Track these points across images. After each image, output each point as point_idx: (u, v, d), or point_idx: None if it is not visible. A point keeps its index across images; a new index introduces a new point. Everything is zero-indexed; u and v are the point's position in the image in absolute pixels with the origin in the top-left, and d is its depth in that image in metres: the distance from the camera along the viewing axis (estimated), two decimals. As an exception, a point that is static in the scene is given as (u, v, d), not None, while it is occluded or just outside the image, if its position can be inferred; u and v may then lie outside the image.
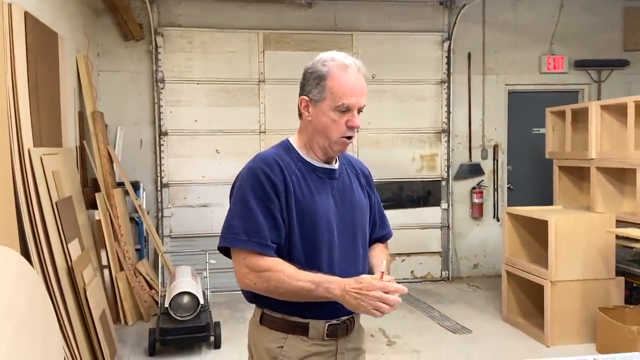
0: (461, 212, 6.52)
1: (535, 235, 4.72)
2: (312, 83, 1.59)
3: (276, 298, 1.55)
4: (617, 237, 4.27)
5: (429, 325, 4.82)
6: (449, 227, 6.45)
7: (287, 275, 1.49)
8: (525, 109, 6.55)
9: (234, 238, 1.53)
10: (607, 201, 4.78)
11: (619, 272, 4.40)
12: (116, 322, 4.59)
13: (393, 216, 6.27)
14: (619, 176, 4.78)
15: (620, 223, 4.38)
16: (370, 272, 1.69)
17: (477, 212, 6.48)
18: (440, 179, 6.45)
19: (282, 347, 1.57)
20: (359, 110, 1.60)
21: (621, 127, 4.61)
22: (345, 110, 1.57)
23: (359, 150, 6.17)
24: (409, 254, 6.36)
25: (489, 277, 6.39)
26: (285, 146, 1.67)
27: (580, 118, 5.13)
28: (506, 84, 6.55)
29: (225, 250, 1.60)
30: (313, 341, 1.58)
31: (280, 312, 1.58)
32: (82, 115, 5.06)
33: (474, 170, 6.49)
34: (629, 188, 4.68)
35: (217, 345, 4.22)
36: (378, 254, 1.78)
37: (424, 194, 6.44)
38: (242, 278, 1.54)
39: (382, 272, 1.50)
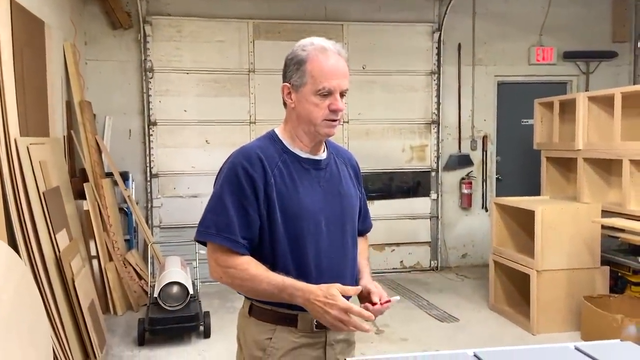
0: (450, 202, 6.57)
1: (523, 225, 4.77)
2: (292, 69, 1.58)
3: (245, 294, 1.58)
4: (603, 227, 4.33)
5: (417, 314, 4.87)
6: (438, 217, 6.50)
7: (250, 275, 1.49)
8: (514, 100, 6.59)
9: (204, 231, 1.54)
10: (593, 192, 4.83)
11: (604, 262, 4.46)
12: (105, 313, 4.59)
13: (383, 206, 6.41)
14: (606, 167, 4.84)
15: (606, 213, 4.43)
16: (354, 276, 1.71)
17: (466, 202, 6.53)
18: (429, 169, 6.48)
19: (270, 338, 1.57)
20: (342, 94, 1.57)
21: (608, 118, 4.66)
22: (327, 93, 1.54)
23: (349, 141, 6.18)
24: (398, 244, 6.40)
25: (476, 266, 6.45)
26: (271, 137, 1.65)
27: (568, 109, 5.17)
28: (496, 75, 6.58)
29: (202, 242, 1.60)
30: (302, 333, 1.57)
31: (269, 303, 1.56)
32: (69, 105, 5.02)
33: (463, 161, 6.53)
34: (615, 179, 4.73)
35: (206, 334, 4.23)
36: (362, 251, 1.79)
37: (413, 184, 6.47)
38: (211, 271, 1.57)
39: (376, 302, 1.55)
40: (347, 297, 1.49)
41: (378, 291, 1.59)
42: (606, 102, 4.69)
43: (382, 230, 6.30)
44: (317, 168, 1.64)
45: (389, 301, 1.57)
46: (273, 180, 1.54)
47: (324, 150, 1.68)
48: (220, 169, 1.63)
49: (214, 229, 1.52)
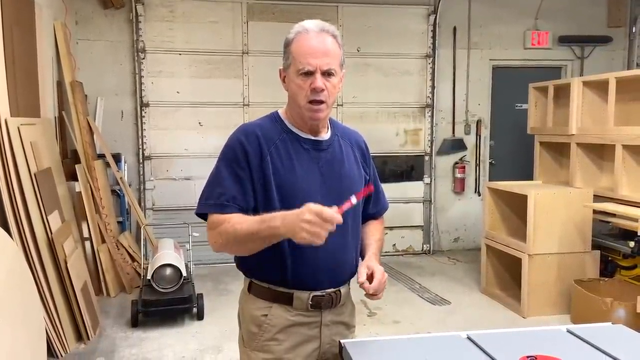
0: (443, 186, 6.59)
1: (515, 209, 4.80)
2: (283, 52, 1.61)
3: (242, 253, 1.58)
4: (595, 211, 4.36)
5: (409, 297, 4.91)
6: (431, 201, 6.52)
7: (234, 222, 1.49)
8: (508, 84, 6.58)
9: (202, 204, 1.58)
10: (585, 176, 4.86)
11: (595, 246, 4.51)
12: (98, 294, 4.59)
13: None
14: (598, 152, 4.86)
15: (597, 198, 4.46)
16: (362, 253, 1.71)
17: (459, 186, 6.55)
18: (423, 153, 6.49)
19: (266, 315, 1.60)
20: (328, 74, 1.54)
21: (602, 103, 4.67)
22: (308, 73, 1.53)
23: (344, 124, 6.14)
24: (391, 228, 6.42)
25: (469, 250, 6.50)
26: (273, 117, 1.67)
27: (562, 94, 5.17)
28: (490, 59, 6.55)
29: (203, 217, 1.62)
30: (297, 311, 1.59)
31: (266, 281, 1.60)
32: (60, 85, 4.96)
33: (457, 145, 6.53)
34: (608, 164, 4.76)
35: (200, 316, 4.25)
36: (372, 232, 1.79)
37: (407, 168, 6.48)
38: (209, 238, 1.58)
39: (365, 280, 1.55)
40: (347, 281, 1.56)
41: (370, 270, 1.59)
42: (600, 87, 4.69)
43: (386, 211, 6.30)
44: (318, 149, 1.63)
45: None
46: (269, 158, 1.56)
47: (327, 131, 1.68)
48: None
49: (209, 200, 1.56)
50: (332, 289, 1.62)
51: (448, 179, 6.59)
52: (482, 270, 5.01)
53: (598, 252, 4.49)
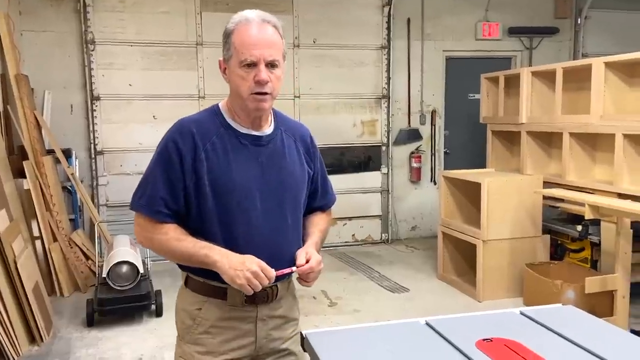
0: (400, 176, 6.69)
1: (470, 197, 4.93)
2: (223, 42, 1.57)
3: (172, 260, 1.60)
4: (544, 197, 4.53)
5: (369, 286, 4.98)
6: (388, 191, 6.61)
7: (171, 237, 1.52)
8: (461, 74, 6.72)
9: (134, 201, 1.58)
10: (535, 164, 5.04)
11: (545, 230, 4.69)
12: (51, 294, 4.45)
13: (335, 181, 6.35)
14: (547, 140, 5.04)
15: (547, 184, 4.64)
16: (304, 241, 1.70)
17: (415, 176, 6.67)
18: (380, 144, 6.56)
19: (200, 309, 1.60)
20: (272, 65, 1.51)
21: (550, 92, 4.84)
22: (251, 64, 1.49)
23: (301, 116, 6.14)
24: (350, 218, 6.48)
25: (426, 238, 6.64)
26: (213, 111, 1.63)
27: (512, 84, 5.33)
28: (444, 50, 6.67)
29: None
30: (231, 306, 1.58)
31: (201, 276, 1.58)
32: (4, 79, 4.73)
33: (413, 135, 6.64)
34: (556, 151, 4.95)
35: (158, 313, 4.18)
36: (316, 222, 1.77)
37: (364, 159, 6.54)
38: (137, 235, 1.60)
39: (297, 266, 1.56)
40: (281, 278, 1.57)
41: (302, 255, 1.59)
42: (548, 77, 4.86)
43: (334, 204, 6.36)
44: (257, 144, 1.60)
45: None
46: (204, 155, 1.53)
47: (269, 125, 1.65)
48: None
49: (141, 200, 1.56)
50: (269, 284, 1.56)
51: (405, 168, 6.70)
52: (438, 257, 5.13)
53: (548, 236, 4.68)
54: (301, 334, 1.60)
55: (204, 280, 1.58)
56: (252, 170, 1.57)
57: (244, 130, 1.60)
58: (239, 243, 1.53)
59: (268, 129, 1.64)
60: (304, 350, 1.59)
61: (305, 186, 1.70)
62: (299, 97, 6.15)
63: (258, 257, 1.50)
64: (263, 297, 1.59)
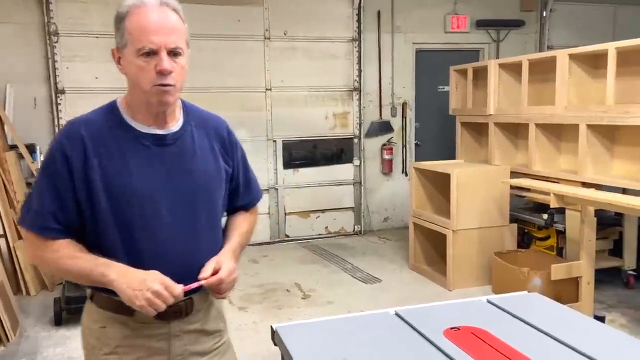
0: (372, 168, 6.73)
1: (440, 188, 4.99)
2: (115, 28, 1.37)
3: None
4: (511, 187, 4.63)
5: (341, 277, 5.01)
6: (361, 183, 6.65)
7: (62, 255, 1.37)
8: (431, 67, 6.79)
9: (22, 215, 1.41)
10: (503, 154, 5.14)
11: (513, 220, 4.79)
12: (17, 293, 4.34)
13: (307, 174, 6.46)
14: (514, 131, 5.14)
15: (514, 174, 4.73)
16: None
17: (387, 167, 6.72)
18: (352, 136, 6.58)
19: (104, 327, 1.45)
20: (175, 53, 1.35)
21: (517, 84, 4.92)
22: (150, 53, 1.32)
23: (272, 109, 6.11)
24: (323, 210, 6.50)
25: (398, 229, 6.71)
26: (110, 108, 1.46)
27: (480, 76, 5.41)
28: (414, 43, 6.72)
29: None
30: (139, 323, 1.43)
31: (104, 290, 1.39)
32: (-38, 72, 4.57)
33: (384, 127, 6.69)
34: (522, 142, 5.05)
35: (129, 310, 4.12)
36: (237, 224, 1.61)
37: (337, 151, 6.56)
38: (28, 256, 1.47)
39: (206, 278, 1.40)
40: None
41: (210, 266, 1.42)
42: (514, 69, 4.94)
43: (307, 197, 6.38)
44: (161, 144, 1.42)
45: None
46: (97, 161, 1.36)
47: (177, 121, 1.47)
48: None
49: (28, 216, 1.39)
50: (183, 299, 1.42)
51: (377, 160, 6.74)
52: (410, 248, 5.19)
53: (515, 225, 4.78)
54: (271, 328, 1.61)
55: (108, 295, 1.40)
56: (156, 175, 1.40)
57: (144, 130, 1.41)
58: (144, 258, 1.37)
59: (175, 125, 1.46)
60: (275, 344, 1.59)
61: (222, 186, 1.53)
62: (270, 90, 6.12)
63: (166, 272, 1.34)
64: (175, 312, 1.43)
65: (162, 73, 1.33)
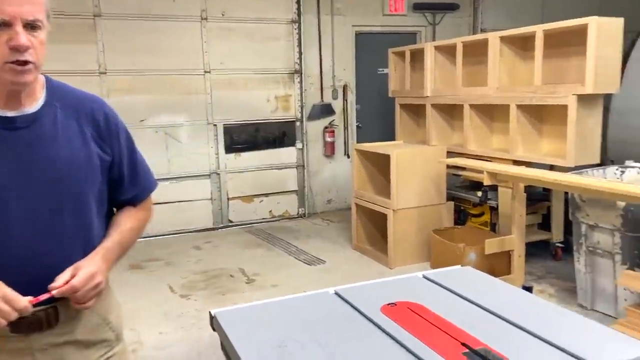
0: (315, 151, 6.76)
1: (381, 169, 5.09)
2: None
3: None
4: (448, 166, 4.78)
5: (286, 260, 5.04)
6: (304, 166, 6.66)
7: None
8: (371, 49, 6.85)
9: None
10: (440, 135, 5.29)
11: (450, 198, 4.96)
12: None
13: (250, 158, 6.41)
14: (450, 112, 5.30)
15: (450, 154, 4.89)
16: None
17: (329, 150, 6.77)
18: (294, 119, 6.57)
19: None
20: (32, 27, 1.19)
21: (452, 66, 5.07)
22: (2, 24, 1.15)
23: (212, 91, 5.99)
24: (267, 194, 6.48)
25: (340, 210, 6.80)
26: None
27: (417, 58, 5.52)
28: (353, 25, 6.75)
29: None
30: None
31: None
32: None
33: (326, 110, 6.71)
34: (458, 122, 5.21)
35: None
36: (119, 221, 1.42)
37: (279, 134, 6.53)
38: None
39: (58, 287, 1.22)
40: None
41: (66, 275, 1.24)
42: (450, 52, 5.08)
43: (250, 181, 6.34)
44: (11, 127, 1.23)
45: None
46: None
47: (38, 102, 1.29)
48: None
49: None
50: (43, 307, 1.25)
51: (319, 143, 6.77)
52: (353, 228, 5.28)
53: (452, 203, 4.95)
54: (210, 314, 1.60)
55: None
56: (3, 164, 1.21)
57: None
58: None
59: (32, 106, 1.28)
60: (214, 330, 1.58)
61: (95, 178, 1.34)
62: (209, 72, 5.98)
63: (15, 281, 1.17)
64: (31, 324, 1.25)
65: (17, 49, 1.16)
